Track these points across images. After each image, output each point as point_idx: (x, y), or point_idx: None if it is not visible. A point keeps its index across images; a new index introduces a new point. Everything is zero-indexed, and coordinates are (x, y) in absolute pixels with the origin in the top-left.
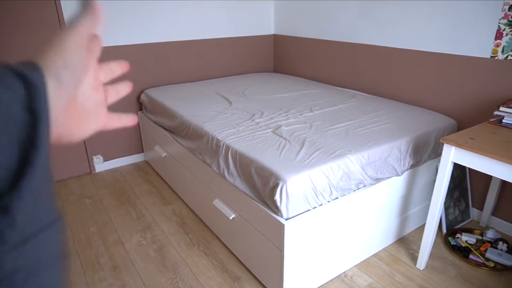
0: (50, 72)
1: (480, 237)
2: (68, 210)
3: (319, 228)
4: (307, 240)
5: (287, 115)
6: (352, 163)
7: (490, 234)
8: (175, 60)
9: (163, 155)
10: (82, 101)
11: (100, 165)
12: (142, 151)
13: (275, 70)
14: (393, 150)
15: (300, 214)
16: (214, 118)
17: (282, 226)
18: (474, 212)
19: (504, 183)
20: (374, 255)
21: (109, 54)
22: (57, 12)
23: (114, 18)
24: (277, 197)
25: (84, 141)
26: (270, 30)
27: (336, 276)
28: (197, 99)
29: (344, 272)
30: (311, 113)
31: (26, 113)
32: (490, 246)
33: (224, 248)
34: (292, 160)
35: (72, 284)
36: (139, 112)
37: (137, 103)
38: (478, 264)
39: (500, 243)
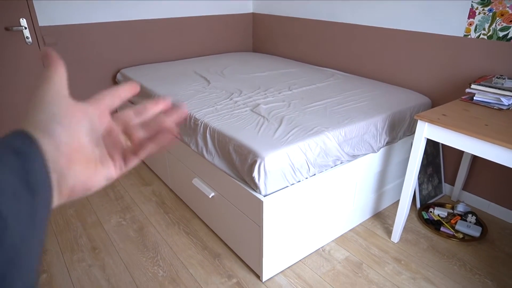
0: (41, 131)
1: (451, 211)
2: None
3: (297, 204)
4: (285, 216)
5: (265, 94)
6: (329, 140)
7: (460, 208)
8: (151, 38)
9: None
10: (88, 148)
11: None
12: None
13: (254, 50)
14: (370, 127)
15: (279, 190)
16: (192, 97)
17: (260, 203)
18: (446, 187)
19: (474, 159)
20: (351, 230)
21: (83, 32)
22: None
23: None
24: (255, 174)
25: None
26: (249, 9)
27: (315, 251)
28: (174, 79)
29: (322, 246)
30: (290, 92)
31: (23, 188)
32: (460, 219)
33: (204, 226)
34: (270, 137)
35: (49, 265)
36: None
37: (112, 83)
38: (448, 236)
39: (469, 215)
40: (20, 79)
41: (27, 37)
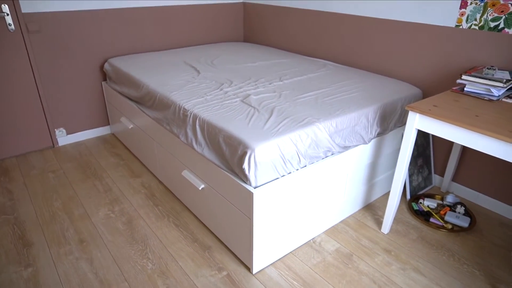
0: None
1: (440, 202)
2: (29, 185)
3: (288, 195)
4: (276, 208)
5: (256, 84)
6: (320, 131)
7: (449, 199)
8: (140, 27)
9: (129, 127)
10: None
11: (63, 138)
12: (108, 124)
13: (245, 40)
14: (361, 119)
15: (269, 182)
16: (181, 88)
17: (250, 195)
18: (436, 178)
19: (463, 150)
20: (342, 222)
21: (68, 20)
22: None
23: None
24: (245, 165)
25: (45, 114)
26: None
27: (305, 243)
28: (163, 69)
29: (313, 238)
30: (281, 82)
31: None
32: (449, 210)
33: (194, 218)
34: (261, 128)
35: (35, 259)
36: (102, 82)
37: (100, 72)
38: (437, 227)
39: (458, 206)
40: (2, 67)
41: (9, 24)
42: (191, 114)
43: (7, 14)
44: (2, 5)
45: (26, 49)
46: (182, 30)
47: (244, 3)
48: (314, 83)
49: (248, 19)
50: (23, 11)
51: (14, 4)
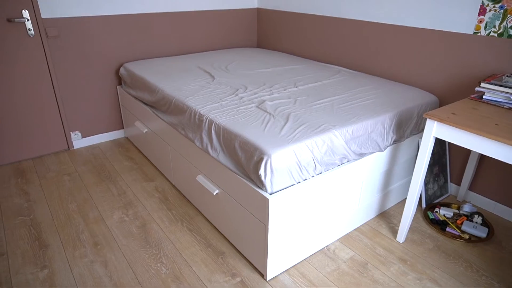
0: None
1: (457, 211)
2: (46, 187)
3: (303, 202)
4: (291, 214)
5: (271, 90)
6: (337, 138)
7: (466, 208)
8: (155, 33)
9: (144, 131)
10: None
11: (79, 141)
12: (122, 127)
13: (259, 45)
14: (377, 126)
15: (285, 188)
16: (197, 93)
17: (266, 201)
18: (452, 187)
19: (481, 159)
20: (356, 229)
21: (86, 25)
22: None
23: None
24: (261, 171)
25: (61, 117)
26: (254, 4)
27: (319, 250)
28: (178, 73)
29: (327, 245)
30: (295, 88)
31: None
32: (466, 219)
33: (207, 223)
34: (277, 135)
35: (51, 260)
36: (118, 86)
37: (115, 77)
38: (454, 236)
39: (476, 216)
40: (21, 71)
41: (29, 29)
42: (206, 119)
43: (27, 20)
44: (23, 11)
45: (45, 53)
46: (196, 35)
47: (258, 9)
48: (329, 89)
49: (262, 25)
50: (43, 16)
51: (34, 9)
